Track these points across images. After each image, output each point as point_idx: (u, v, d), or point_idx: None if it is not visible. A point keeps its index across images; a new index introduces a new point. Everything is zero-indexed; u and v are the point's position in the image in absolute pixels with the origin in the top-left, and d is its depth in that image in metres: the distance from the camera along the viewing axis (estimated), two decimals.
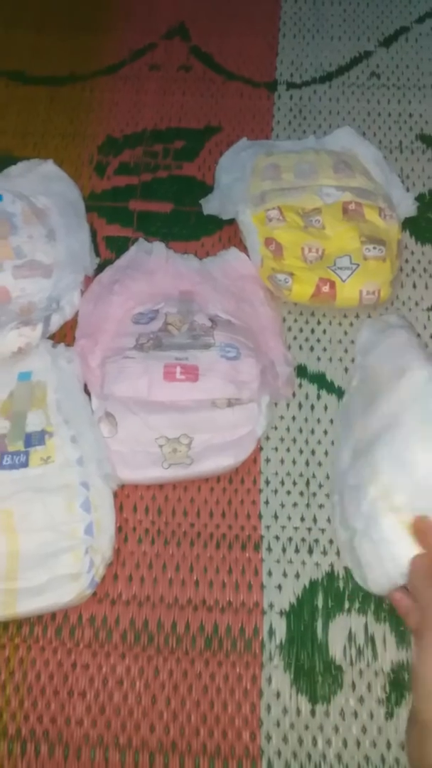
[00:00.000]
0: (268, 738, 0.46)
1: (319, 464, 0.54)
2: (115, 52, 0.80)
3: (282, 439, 0.56)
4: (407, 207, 0.65)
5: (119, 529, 0.52)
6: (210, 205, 0.66)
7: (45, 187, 0.67)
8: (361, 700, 0.47)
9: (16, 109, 0.76)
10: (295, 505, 0.53)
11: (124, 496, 0.54)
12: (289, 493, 0.54)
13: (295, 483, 0.54)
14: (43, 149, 0.73)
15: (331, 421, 0.56)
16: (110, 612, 0.49)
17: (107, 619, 0.49)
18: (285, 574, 0.51)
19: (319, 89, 0.76)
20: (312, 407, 0.57)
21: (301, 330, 0.61)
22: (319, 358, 0.59)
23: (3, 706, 0.47)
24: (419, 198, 0.67)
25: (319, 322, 0.61)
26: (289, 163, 0.65)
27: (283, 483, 0.54)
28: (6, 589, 0.47)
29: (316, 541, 0.51)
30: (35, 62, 0.79)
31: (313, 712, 0.46)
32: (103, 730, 0.46)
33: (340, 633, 0.49)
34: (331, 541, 0.51)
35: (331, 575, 0.50)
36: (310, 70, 0.78)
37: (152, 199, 0.69)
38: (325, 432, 0.56)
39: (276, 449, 0.55)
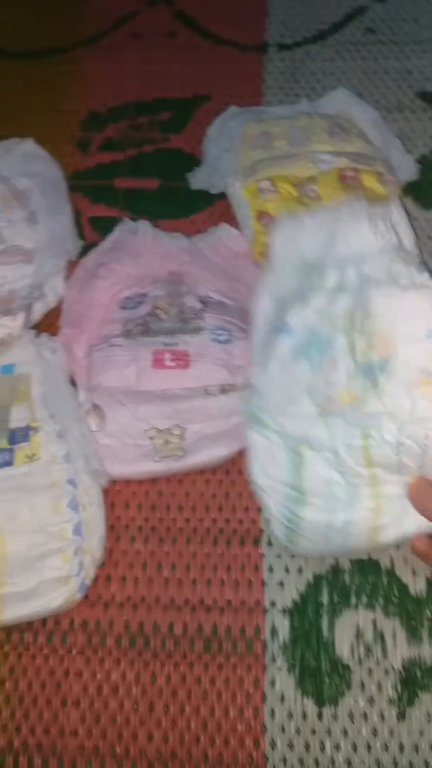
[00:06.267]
0: (273, 744, 0.43)
1: None
2: (95, 22, 0.75)
3: None
4: (408, 170, 0.60)
5: (111, 528, 0.49)
6: (197, 179, 0.62)
7: (25, 168, 0.64)
8: (370, 700, 0.44)
9: None
10: None
11: (116, 492, 0.51)
12: None
13: None
14: (22, 128, 0.69)
15: None
16: (103, 615, 0.47)
17: (100, 623, 0.47)
18: (287, 570, 0.48)
19: (312, 49, 0.72)
20: None
21: None
22: None
23: None
24: (421, 160, 0.63)
25: None
26: (280, 130, 0.61)
27: None
28: None
29: None
30: (11, 36, 0.75)
31: (320, 715, 0.44)
32: (99, 741, 0.44)
33: (347, 630, 0.46)
34: None
35: (336, 569, 0.47)
36: (302, 29, 0.73)
37: (139, 176, 0.65)
38: None
39: None
